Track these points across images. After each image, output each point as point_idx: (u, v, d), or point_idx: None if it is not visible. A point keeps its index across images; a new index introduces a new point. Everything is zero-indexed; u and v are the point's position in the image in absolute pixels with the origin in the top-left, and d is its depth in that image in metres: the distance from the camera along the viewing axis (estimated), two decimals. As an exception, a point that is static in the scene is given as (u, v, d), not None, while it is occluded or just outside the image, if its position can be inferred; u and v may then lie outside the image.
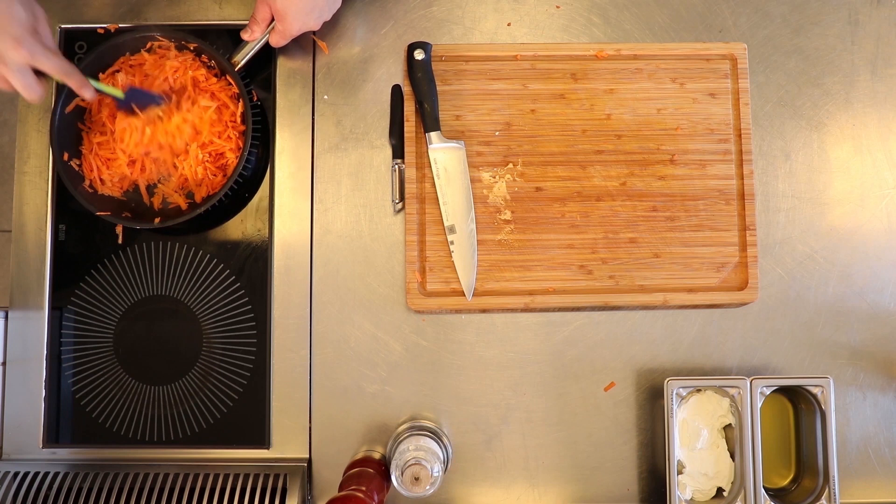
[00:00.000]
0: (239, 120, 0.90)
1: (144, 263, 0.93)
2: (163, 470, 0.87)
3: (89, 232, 0.93)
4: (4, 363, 0.91)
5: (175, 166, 0.89)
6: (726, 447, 0.89)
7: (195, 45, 0.89)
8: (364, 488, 0.79)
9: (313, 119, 0.94)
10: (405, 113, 0.92)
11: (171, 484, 0.86)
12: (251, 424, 0.90)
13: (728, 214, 0.92)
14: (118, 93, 0.85)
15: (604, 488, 0.90)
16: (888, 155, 0.96)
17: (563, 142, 0.93)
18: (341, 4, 0.90)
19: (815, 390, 0.87)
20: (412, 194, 0.91)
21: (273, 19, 0.87)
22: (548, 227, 0.92)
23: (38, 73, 0.78)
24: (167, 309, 0.92)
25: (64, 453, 0.90)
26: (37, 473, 0.87)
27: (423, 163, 0.92)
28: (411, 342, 0.91)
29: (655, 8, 0.97)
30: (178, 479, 0.86)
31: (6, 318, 0.91)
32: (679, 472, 0.88)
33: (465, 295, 0.89)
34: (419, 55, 0.91)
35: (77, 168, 0.89)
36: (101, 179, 0.90)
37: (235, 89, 0.89)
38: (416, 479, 0.80)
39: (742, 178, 0.93)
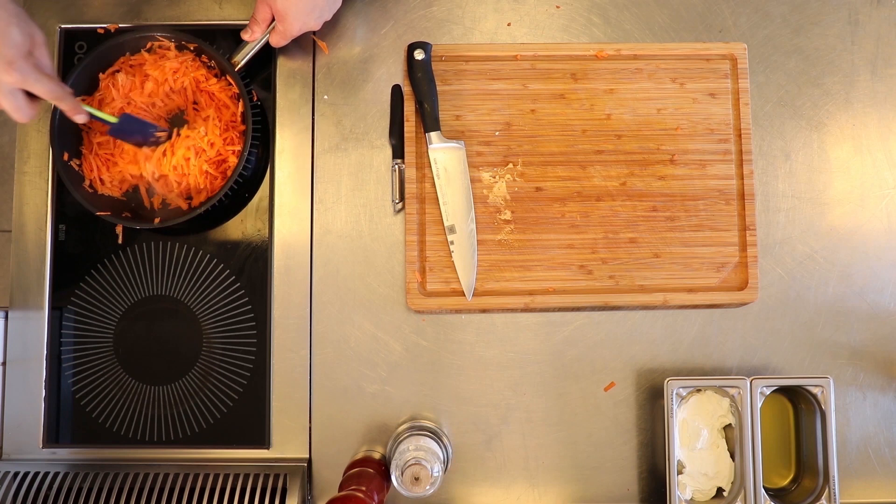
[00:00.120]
0: (239, 120, 0.90)
1: (144, 263, 0.93)
2: (163, 470, 0.87)
3: (89, 232, 0.93)
4: (4, 363, 0.91)
5: (178, 182, 0.89)
6: (726, 447, 0.89)
7: (195, 45, 0.89)
8: (364, 488, 0.79)
9: (313, 119, 0.94)
10: (405, 113, 0.92)
11: (171, 484, 0.86)
12: (251, 424, 0.90)
13: (728, 214, 0.92)
14: (111, 118, 0.85)
15: (604, 488, 0.90)
16: (888, 155, 0.96)
17: (563, 142, 0.93)
18: (341, 4, 0.90)
19: (815, 390, 0.87)
20: (412, 194, 0.91)
21: (273, 19, 0.87)
22: (548, 227, 0.92)
23: (32, 95, 0.78)
24: (167, 309, 0.92)
25: (64, 453, 0.90)
26: (37, 473, 0.87)
27: (423, 163, 0.92)
28: (411, 342, 0.91)
29: (655, 8, 0.97)
30: (178, 479, 0.86)
31: (6, 318, 0.91)
32: (679, 472, 0.88)
33: (465, 295, 0.89)
34: (419, 55, 0.91)
35: (77, 168, 0.89)
36: (101, 179, 0.90)
37: (235, 89, 0.89)
38: (416, 479, 0.80)
39: (742, 178, 0.93)
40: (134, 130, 0.87)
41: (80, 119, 0.82)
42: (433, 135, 0.91)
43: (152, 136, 0.87)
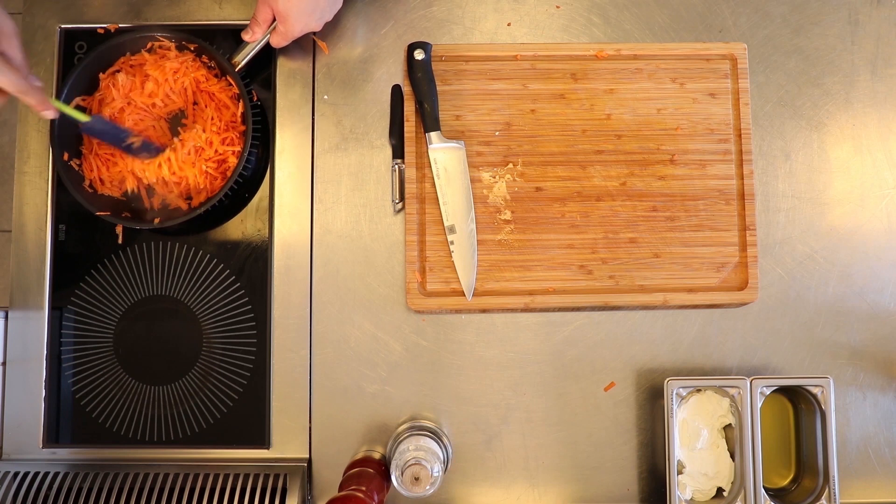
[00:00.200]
0: (239, 120, 0.90)
1: (144, 263, 0.93)
2: (163, 470, 0.87)
3: (89, 232, 0.93)
4: (4, 363, 0.91)
5: (178, 183, 0.89)
6: (726, 447, 0.89)
7: (195, 45, 0.89)
8: (364, 488, 0.79)
9: (313, 119, 0.94)
10: (405, 113, 0.92)
11: (171, 484, 0.86)
12: (251, 424, 0.90)
13: (728, 214, 0.92)
14: (83, 116, 0.84)
15: (604, 488, 0.90)
16: (888, 155, 0.96)
17: (563, 142, 0.93)
18: (342, 5, 0.90)
19: (815, 390, 0.87)
20: (412, 194, 0.91)
21: (274, 20, 0.87)
22: (548, 227, 0.92)
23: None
24: (167, 309, 0.92)
25: (64, 453, 0.90)
26: (37, 473, 0.87)
27: (423, 163, 0.92)
28: (411, 342, 0.91)
29: (655, 8, 0.97)
30: (178, 479, 0.86)
31: (6, 318, 0.91)
32: (679, 472, 0.88)
33: (465, 295, 0.89)
34: (419, 55, 0.91)
35: (77, 168, 0.89)
36: (100, 179, 0.90)
37: (236, 90, 0.89)
38: (416, 479, 0.80)
39: (742, 178, 0.93)
40: (105, 132, 0.86)
41: (48, 115, 0.80)
42: (433, 135, 0.91)
43: (124, 140, 0.87)
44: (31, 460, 0.89)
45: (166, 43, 0.91)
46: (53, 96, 0.89)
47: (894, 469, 0.92)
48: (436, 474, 0.80)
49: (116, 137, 0.87)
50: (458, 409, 0.91)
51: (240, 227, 0.94)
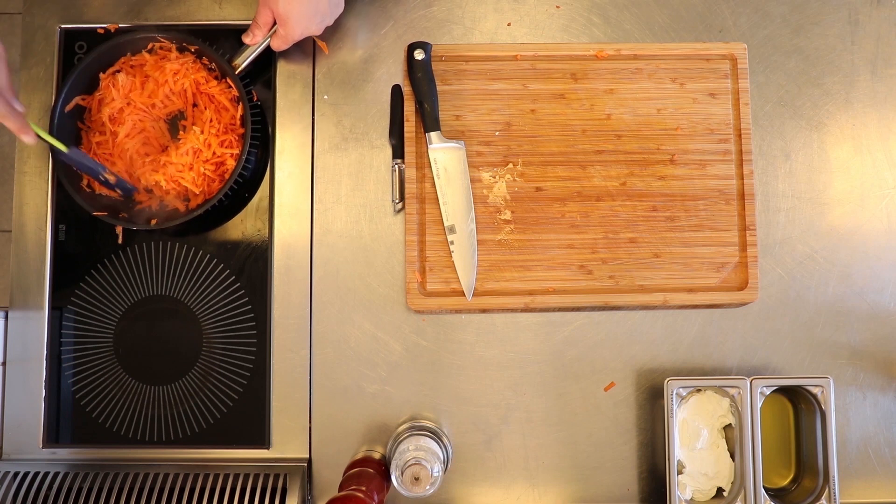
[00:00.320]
0: (238, 123, 0.90)
1: (144, 263, 0.93)
2: (163, 470, 0.87)
3: (89, 232, 0.93)
4: (4, 363, 0.91)
5: (175, 185, 0.89)
6: (726, 447, 0.89)
7: (196, 47, 0.89)
8: (364, 488, 0.79)
9: (313, 119, 0.94)
10: (405, 113, 0.92)
11: (171, 484, 0.86)
12: (251, 424, 0.90)
13: (728, 214, 0.92)
14: (61, 146, 0.84)
15: (604, 488, 0.90)
16: (888, 155, 0.96)
17: (563, 142, 0.93)
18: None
19: (815, 390, 0.87)
20: (412, 194, 0.91)
21: (275, 23, 0.87)
22: (548, 227, 0.92)
23: None
24: (167, 309, 0.92)
25: (64, 453, 0.90)
26: (37, 473, 0.87)
27: (423, 163, 0.92)
28: (411, 342, 0.91)
29: (655, 8, 0.97)
30: (178, 479, 0.86)
31: (6, 318, 0.91)
32: (679, 472, 0.88)
33: (465, 295, 0.89)
34: (419, 55, 0.91)
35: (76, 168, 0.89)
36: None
37: (236, 92, 0.89)
38: (416, 479, 0.80)
39: (742, 178, 0.93)
40: (82, 164, 0.86)
41: (27, 140, 0.80)
42: (433, 135, 0.91)
43: (100, 175, 0.87)
44: (31, 460, 0.89)
45: (167, 44, 0.91)
46: (53, 95, 0.89)
47: (894, 469, 0.92)
48: (436, 474, 0.80)
49: (92, 171, 0.87)
50: (458, 409, 0.91)
51: (240, 227, 0.94)
